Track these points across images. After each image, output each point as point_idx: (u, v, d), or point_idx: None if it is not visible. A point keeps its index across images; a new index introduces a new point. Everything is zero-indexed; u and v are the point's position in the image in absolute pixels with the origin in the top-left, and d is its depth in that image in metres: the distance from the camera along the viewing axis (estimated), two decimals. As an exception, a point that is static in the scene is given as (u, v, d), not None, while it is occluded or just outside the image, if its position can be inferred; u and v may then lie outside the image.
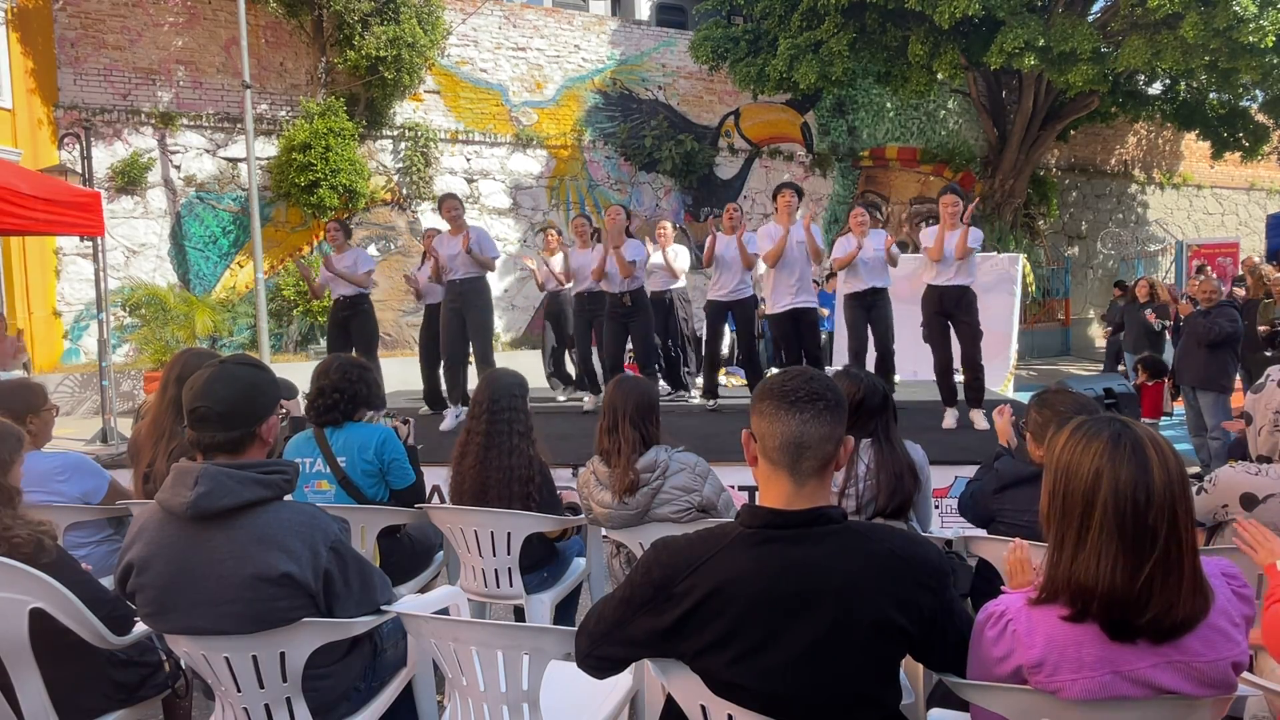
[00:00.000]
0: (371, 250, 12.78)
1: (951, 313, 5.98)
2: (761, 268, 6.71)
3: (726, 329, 7.28)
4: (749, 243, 6.48)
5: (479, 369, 6.45)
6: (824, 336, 8.38)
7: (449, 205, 6.50)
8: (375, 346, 6.98)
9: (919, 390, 8.47)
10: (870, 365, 6.37)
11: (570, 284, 7.28)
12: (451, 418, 6.44)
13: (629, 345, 6.83)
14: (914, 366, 9.45)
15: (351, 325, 6.88)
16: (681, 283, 7.67)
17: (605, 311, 6.66)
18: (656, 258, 7.30)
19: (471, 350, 6.53)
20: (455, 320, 6.45)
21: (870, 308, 6.36)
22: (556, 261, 7.83)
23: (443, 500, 4.76)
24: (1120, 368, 10.33)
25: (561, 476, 5.10)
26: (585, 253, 6.90)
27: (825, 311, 9.50)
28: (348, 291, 6.86)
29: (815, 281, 7.89)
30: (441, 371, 6.68)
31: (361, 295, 6.90)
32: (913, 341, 9.64)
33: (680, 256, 7.45)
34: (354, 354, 6.25)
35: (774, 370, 2.58)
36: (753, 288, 6.76)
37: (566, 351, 8.15)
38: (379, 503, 3.17)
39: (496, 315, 11.10)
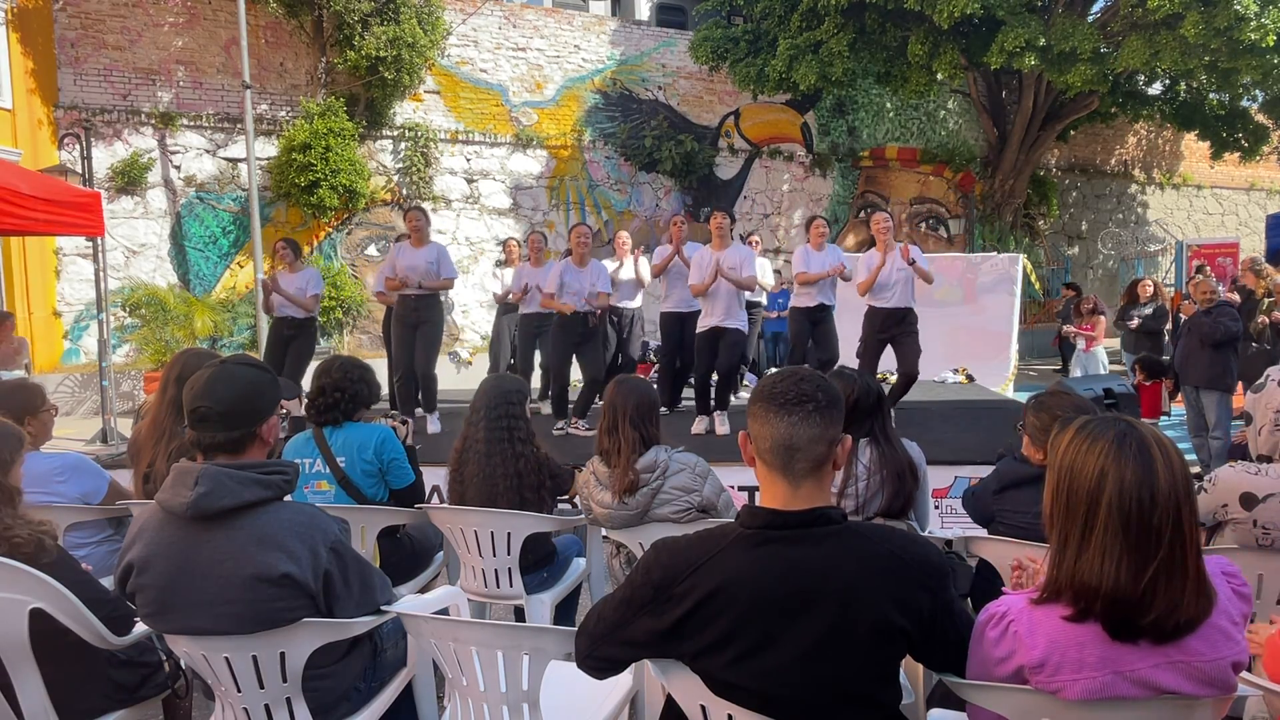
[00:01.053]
0: (371, 251, 12.79)
1: (894, 334, 6.25)
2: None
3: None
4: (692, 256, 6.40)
5: (420, 381, 6.50)
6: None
7: (412, 217, 6.47)
8: (306, 367, 6.95)
9: (915, 390, 8.46)
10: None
11: (517, 298, 7.14)
12: (434, 423, 6.51)
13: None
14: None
15: (293, 344, 6.92)
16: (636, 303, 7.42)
17: (557, 327, 6.50)
18: (627, 269, 7.21)
19: (414, 362, 6.49)
20: (409, 334, 6.46)
21: (817, 322, 6.51)
22: (508, 275, 7.73)
23: (442, 501, 4.77)
24: (1119, 367, 10.40)
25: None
26: (537, 271, 6.83)
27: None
28: (297, 313, 6.89)
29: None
30: (394, 381, 6.65)
31: (310, 317, 6.97)
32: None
33: (643, 267, 7.32)
34: (283, 372, 6.38)
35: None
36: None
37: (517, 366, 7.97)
38: (379, 502, 3.17)
39: (480, 318, 11.13)
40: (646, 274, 7.26)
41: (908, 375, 6.32)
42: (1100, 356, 9.83)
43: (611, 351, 7.17)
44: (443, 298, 6.78)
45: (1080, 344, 9.97)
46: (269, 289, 6.93)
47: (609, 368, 6.97)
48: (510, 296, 7.42)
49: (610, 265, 6.97)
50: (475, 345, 13.00)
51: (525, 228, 14.04)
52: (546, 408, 7.05)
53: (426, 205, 13.27)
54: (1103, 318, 10.17)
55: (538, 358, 7.38)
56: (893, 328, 6.26)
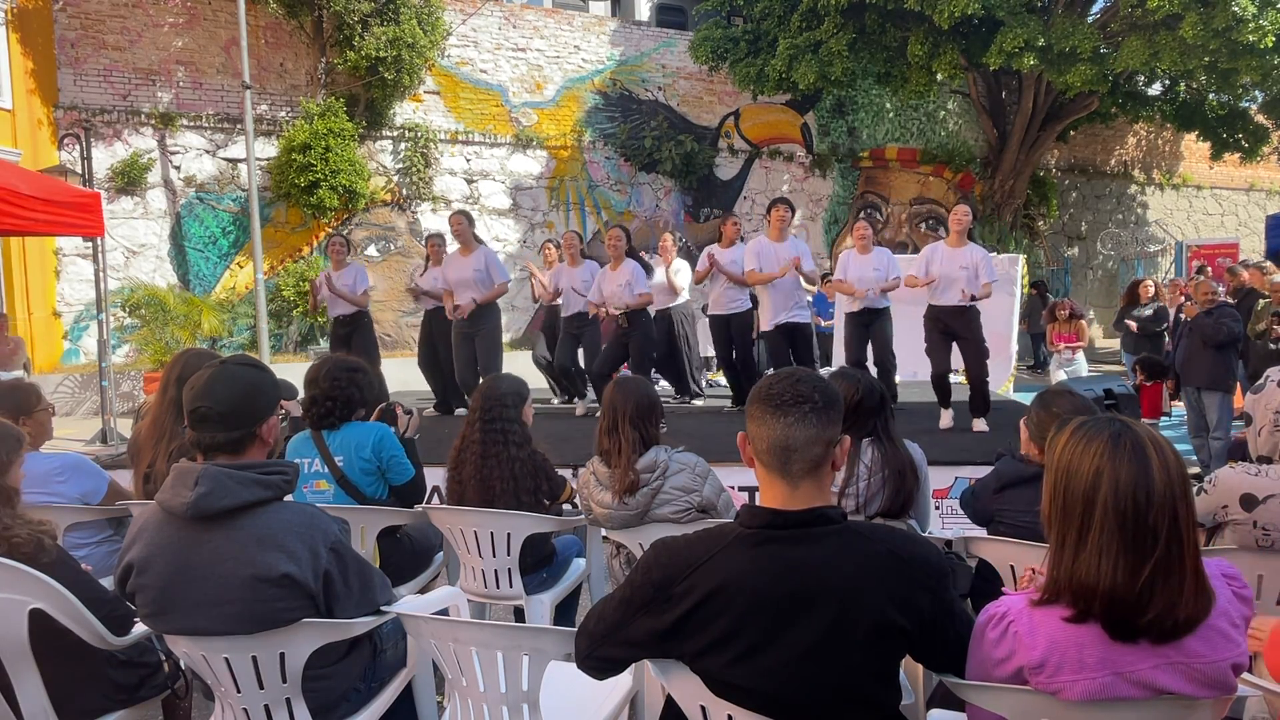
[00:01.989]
0: (371, 251, 12.79)
1: (956, 331, 6.03)
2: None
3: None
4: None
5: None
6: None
7: (455, 221, 6.45)
8: (377, 358, 7.06)
9: (918, 390, 8.46)
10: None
11: (558, 300, 7.19)
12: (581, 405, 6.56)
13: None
14: (914, 367, 9.45)
15: (353, 340, 6.97)
16: (683, 299, 7.37)
17: (601, 330, 6.61)
18: (659, 275, 7.15)
19: (480, 371, 6.48)
20: (466, 346, 6.37)
21: (869, 324, 6.40)
22: (546, 278, 7.74)
23: (442, 501, 4.76)
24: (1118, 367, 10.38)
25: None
26: (575, 270, 6.83)
27: (821, 320, 9.45)
28: (346, 310, 6.96)
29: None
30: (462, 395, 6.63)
31: (361, 311, 7.04)
32: (912, 342, 9.65)
33: (682, 273, 7.25)
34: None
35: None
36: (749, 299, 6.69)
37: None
38: (378, 501, 3.17)
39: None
40: (680, 281, 7.17)
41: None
42: (1082, 362, 9.64)
43: (662, 351, 7.17)
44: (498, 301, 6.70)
45: (1065, 353, 9.68)
46: (319, 289, 6.98)
47: (676, 371, 7.09)
48: (544, 297, 7.52)
49: (656, 270, 6.99)
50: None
51: (525, 228, 14.04)
52: (581, 408, 7.04)
53: (426, 206, 13.29)
54: (1083, 322, 9.89)
55: (580, 358, 7.33)
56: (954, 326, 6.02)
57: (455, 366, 6.58)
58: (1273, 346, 6.61)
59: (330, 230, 12.54)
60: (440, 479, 3.44)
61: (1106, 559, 1.36)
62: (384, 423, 3.27)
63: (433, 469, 3.59)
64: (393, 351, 12.15)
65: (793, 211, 6.36)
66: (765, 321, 6.34)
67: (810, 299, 7.77)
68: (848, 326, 6.56)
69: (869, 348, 6.43)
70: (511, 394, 3.12)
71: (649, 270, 6.68)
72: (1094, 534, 1.38)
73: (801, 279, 6.39)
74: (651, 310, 6.96)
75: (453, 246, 6.84)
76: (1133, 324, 9.21)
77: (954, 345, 6.06)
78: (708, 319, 6.87)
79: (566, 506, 3.29)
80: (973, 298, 5.72)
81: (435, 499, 4.89)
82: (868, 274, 6.23)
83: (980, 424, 5.95)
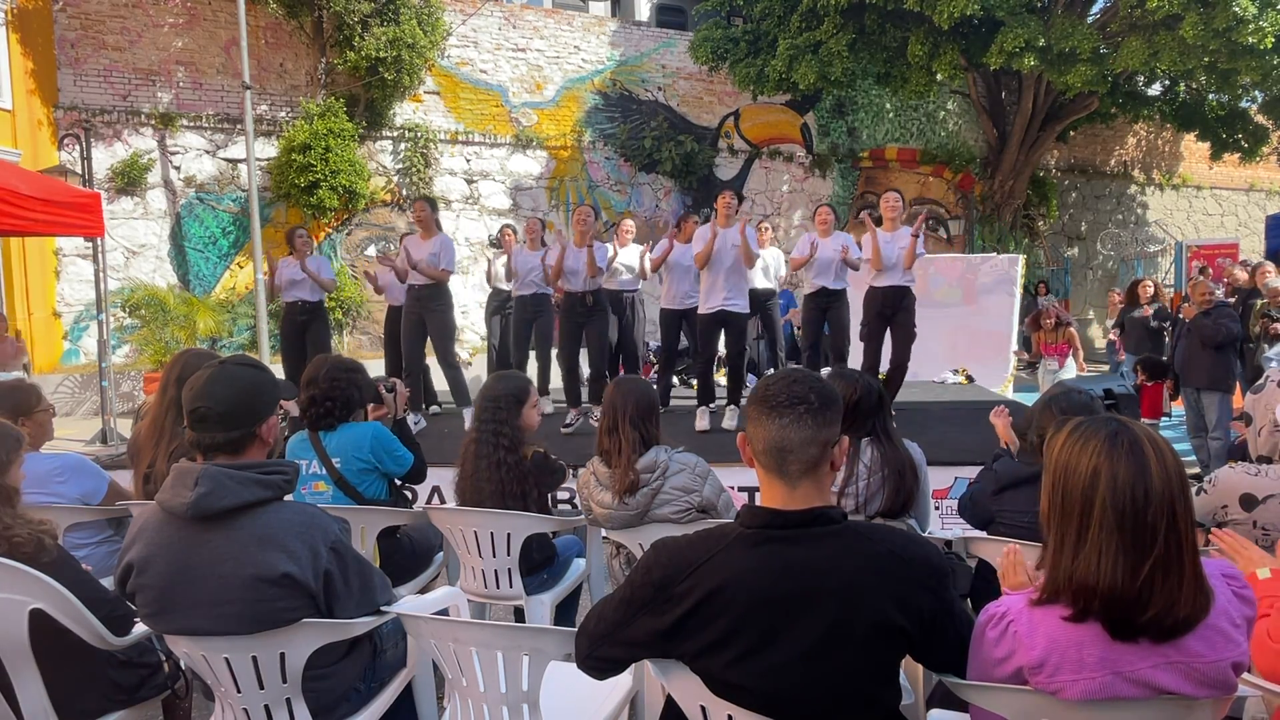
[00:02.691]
0: (371, 251, 12.79)
1: (891, 315, 6.10)
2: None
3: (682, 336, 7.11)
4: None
5: (443, 371, 6.55)
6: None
7: (418, 208, 6.57)
8: (330, 350, 7.10)
9: (915, 390, 8.47)
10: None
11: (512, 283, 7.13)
12: (410, 423, 6.46)
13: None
14: (914, 367, 9.45)
15: (310, 329, 7.04)
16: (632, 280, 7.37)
17: (563, 311, 6.57)
18: (625, 257, 7.17)
19: (433, 352, 6.56)
20: (416, 327, 6.49)
21: (826, 308, 6.39)
22: (501, 261, 7.74)
23: (443, 500, 4.76)
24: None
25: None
26: (532, 254, 6.76)
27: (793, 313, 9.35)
28: (310, 297, 7.03)
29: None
30: (405, 380, 6.65)
31: (320, 301, 7.13)
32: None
33: (637, 256, 7.28)
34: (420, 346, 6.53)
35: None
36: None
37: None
38: (377, 501, 3.17)
39: (480, 318, 11.15)
40: (648, 265, 7.19)
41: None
42: (1071, 369, 9.16)
43: (615, 339, 7.16)
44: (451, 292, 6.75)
45: (1051, 362, 9.18)
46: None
47: (613, 357, 7.00)
48: (504, 277, 7.45)
49: (610, 249, 6.96)
50: (475, 345, 13.01)
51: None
52: (548, 405, 7.03)
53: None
54: (1072, 329, 9.30)
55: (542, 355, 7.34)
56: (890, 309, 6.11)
57: (403, 344, 6.61)
58: (1250, 346, 6.63)
59: (330, 230, 12.55)
60: (441, 479, 3.44)
61: (1106, 558, 1.37)
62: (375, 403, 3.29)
63: (432, 469, 3.58)
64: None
65: (739, 200, 6.31)
66: (701, 305, 6.26)
67: (778, 295, 7.82)
68: (805, 309, 6.54)
69: (825, 329, 6.44)
70: (506, 396, 3.09)
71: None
72: (1093, 533, 1.38)
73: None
74: (629, 290, 7.16)
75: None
76: (1154, 321, 8.57)
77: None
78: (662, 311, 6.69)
79: (566, 506, 3.29)
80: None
81: (435, 499, 4.90)
82: (829, 255, 6.21)
83: None
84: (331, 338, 7.34)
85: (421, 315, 6.47)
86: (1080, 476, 1.40)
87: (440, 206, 13.30)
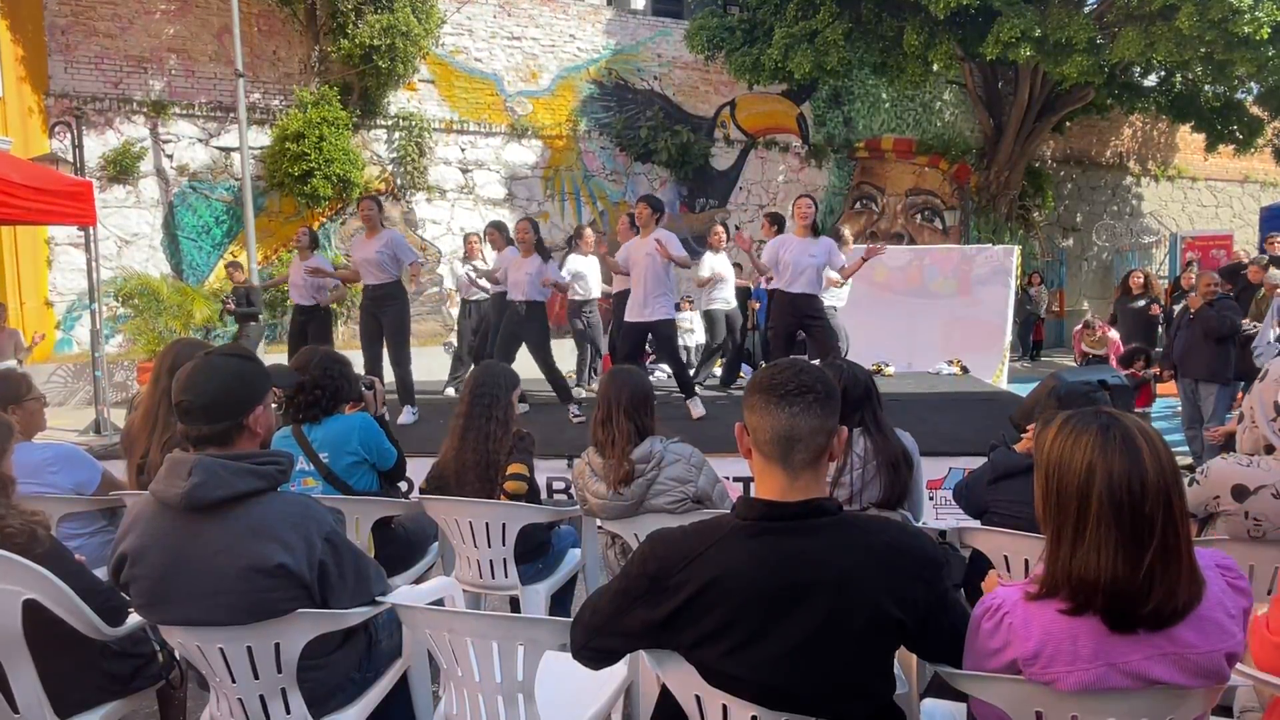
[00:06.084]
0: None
1: (799, 322, 6.09)
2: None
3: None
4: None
5: (394, 371, 6.46)
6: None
7: (364, 206, 6.46)
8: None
9: (909, 381, 8.50)
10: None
11: (495, 287, 7.20)
12: (409, 415, 6.49)
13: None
14: (909, 358, 9.48)
15: (310, 330, 7.09)
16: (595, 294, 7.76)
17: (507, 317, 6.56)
18: (581, 265, 7.44)
19: (386, 353, 6.49)
20: (372, 326, 6.44)
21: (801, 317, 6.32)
22: (489, 261, 7.76)
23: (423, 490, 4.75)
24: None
25: (555, 467, 5.12)
26: (526, 260, 6.56)
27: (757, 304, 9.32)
28: (305, 300, 7.11)
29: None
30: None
31: (314, 305, 7.21)
32: (907, 333, 9.66)
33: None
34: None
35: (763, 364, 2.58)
36: (670, 307, 6.23)
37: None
38: (369, 493, 3.17)
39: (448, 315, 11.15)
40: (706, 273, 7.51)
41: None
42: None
43: (589, 348, 7.49)
44: (408, 286, 6.70)
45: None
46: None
47: (590, 362, 7.26)
48: (485, 281, 7.53)
49: (580, 260, 7.21)
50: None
51: (520, 218, 13.98)
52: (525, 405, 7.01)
53: (421, 195, 13.24)
54: (1114, 338, 9.36)
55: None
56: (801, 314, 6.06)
57: (362, 345, 6.53)
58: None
59: (324, 220, 12.49)
60: (419, 473, 3.42)
61: (1106, 552, 1.37)
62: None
63: (411, 459, 3.54)
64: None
65: (653, 210, 6.10)
66: (627, 314, 6.20)
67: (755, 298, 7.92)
68: (775, 305, 6.51)
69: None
70: (504, 374, 3.18)
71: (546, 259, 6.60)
72: (1091, 527, 1.38)
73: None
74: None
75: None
76: (1158, 309, 8.77)
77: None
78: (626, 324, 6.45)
79: (561, 496, 3.30)
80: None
81: (416, 492, 4.87)
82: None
83: None
84: (331, 338, 7.42)
85: (376, 313, 6.39)
86: (1075, 472, 1.40)
87: (434, 197, 13.29)
